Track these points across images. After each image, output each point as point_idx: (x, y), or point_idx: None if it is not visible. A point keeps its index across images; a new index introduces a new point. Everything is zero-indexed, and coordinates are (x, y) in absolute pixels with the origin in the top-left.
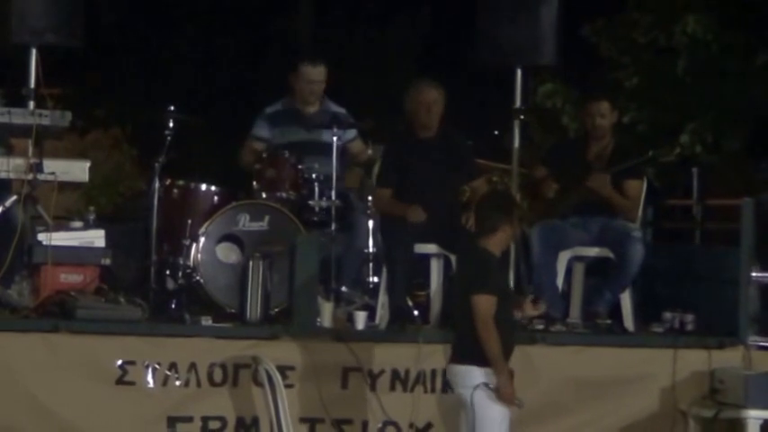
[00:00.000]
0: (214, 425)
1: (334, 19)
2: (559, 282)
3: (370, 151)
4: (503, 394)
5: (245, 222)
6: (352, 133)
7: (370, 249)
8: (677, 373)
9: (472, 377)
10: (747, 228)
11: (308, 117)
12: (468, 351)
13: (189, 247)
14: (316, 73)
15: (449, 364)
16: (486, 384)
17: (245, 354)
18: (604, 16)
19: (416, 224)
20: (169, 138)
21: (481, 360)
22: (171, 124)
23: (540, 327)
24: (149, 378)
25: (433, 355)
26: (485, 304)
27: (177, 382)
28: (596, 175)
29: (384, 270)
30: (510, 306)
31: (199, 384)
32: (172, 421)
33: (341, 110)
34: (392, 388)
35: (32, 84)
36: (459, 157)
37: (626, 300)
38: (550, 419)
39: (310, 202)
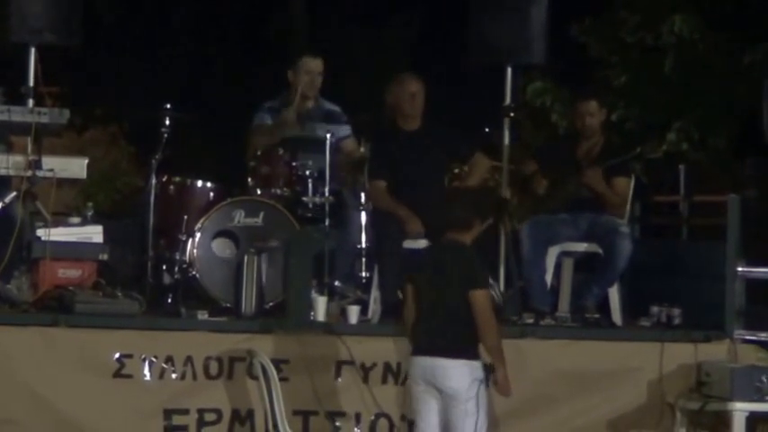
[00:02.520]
0: (210, 417)
1: (329, 18)
2: (548, 277)
3: (362, 149)
4: (502, 386)
5: (240, 218)
6: (345, 131)
7: (363, 245)
8: (664, 367)
9: (471, 371)
10: (733, 223)
11: (304, 114)
12: (463, 346)
13: (185, 243)
14: (315, 64)
15: (431, 358)
16: (486, 378)
17: (240, 347)
18: (593, 16)
19: (412, 233)
20: (166, 135)
21: (476, 354)
22: (167, 122)
23: (530, 321)
24: (146, 371)
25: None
26: (486, 299)
27: (173, 375)
28: (590, 170)
29: (376, 265)
30: None
31: (195, 377)
32: (168, 414)
33: (335, 107)
34: (384, 381)
35: (31, 82)
36: (446, 145)
37: (614, 294)
38: (540, 412)
39: (304, 199)
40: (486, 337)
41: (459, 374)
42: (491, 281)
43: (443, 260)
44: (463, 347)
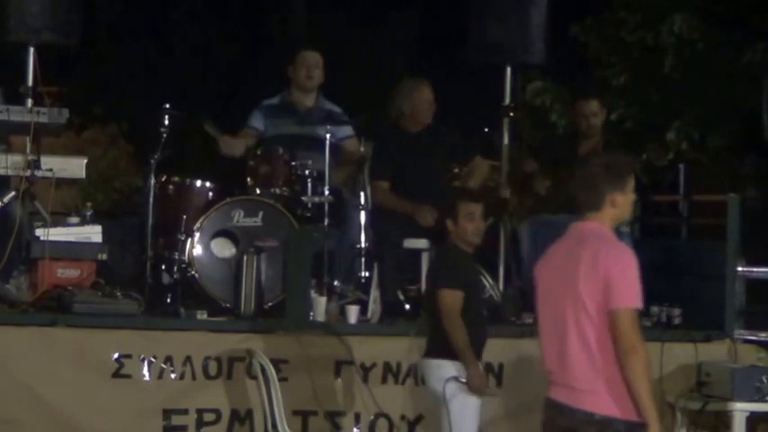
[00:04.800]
0: (209, 417)
1: (328, 17)
2: None
3: (362, 148)
4: (473, 385)
5: (239, 218)
6: (347, 131)
7: (362, 244)
8: (664, 367)
9: (443, 371)
10: (733, 223)
11: (304, 112)
12: (439, 345)
13: (184, 243)
14: (313, 56)
15: (421, 358)
16: (455, 378)
17: (239, 347)
18: (592, 15)
19: (426, 224)
20: (165, 135)
21: (451, 353)
22: (167, 121)
23: (530, 321)
24: (145, 371)
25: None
26: (449, 299)
27: (173, 376)
28: None
29: (375, 265)
30: (480, 300)
31: (194, 377)
32: (167, 414)
33: (336, 108)
34: (384, 381)
35: (30, 82)
36: (446, 147)
37: None
38: (539, 412)
39: (303, 198)
40: (450, 337)
41: (432, 375)
42: (489, 281)
43: (432, 260)
44: (436, 347)
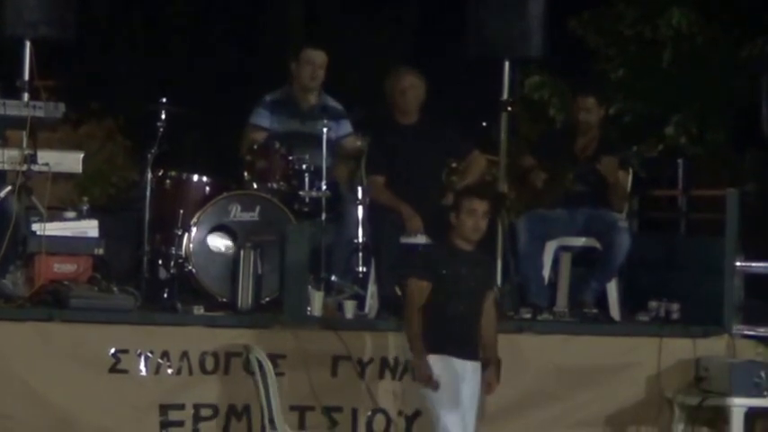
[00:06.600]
0: (206, 412)
1: (326, 10)
2: (546, 271)
3: (359, 142)
4: (417, 375)
5: (236, 213)
6: (347, 129)
7: (360, 239)
8: (663, 362)
9: None
10: (732, 218)
11: (307, 109)
12: (426, 339)
13: (181, 237)
14: (317, 55)
15: None
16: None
17: (236, 342)
18: (591, 9)
19: (413, 232)
20: (162, 129)
21: (431, 347)
22: (163, 116)
23: (528, 316)
24: (142, 366)
25: None
26: (410, 287)
27: (169, 371)
28: (606, 159)
29: (373, 260)
30: (459, 299)
31: (191, 372)
32: (164, 409)
33: (338, 105)
34: (381, 376)
35: (26, 76)
36: (443, 141)
37: (612, 289)
38: (537, 407)
39: (300, 193)
40: (404, 324)
41: None
42: None
43: None
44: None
